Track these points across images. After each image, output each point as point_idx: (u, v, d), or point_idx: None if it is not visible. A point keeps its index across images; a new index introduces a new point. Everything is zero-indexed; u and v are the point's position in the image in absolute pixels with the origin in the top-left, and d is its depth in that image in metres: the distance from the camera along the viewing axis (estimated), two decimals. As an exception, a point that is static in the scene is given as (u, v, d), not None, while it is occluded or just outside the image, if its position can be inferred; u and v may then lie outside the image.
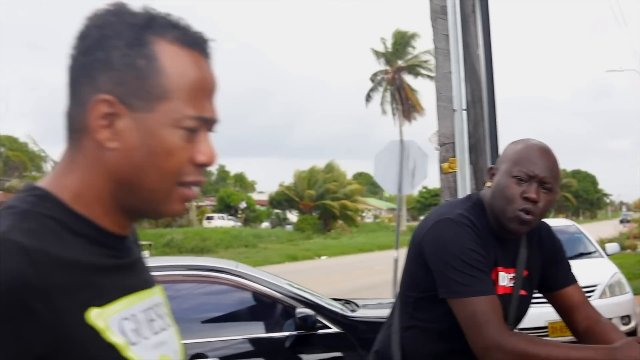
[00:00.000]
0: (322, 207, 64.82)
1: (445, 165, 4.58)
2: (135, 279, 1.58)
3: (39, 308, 1.33)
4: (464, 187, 4.52)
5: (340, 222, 67.30)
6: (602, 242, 17.96)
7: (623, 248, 27.55)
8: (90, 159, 1.49)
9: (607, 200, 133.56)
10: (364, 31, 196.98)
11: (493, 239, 2.93)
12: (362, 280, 24.08)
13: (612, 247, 16.15)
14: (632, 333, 11.44)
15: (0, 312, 1.30)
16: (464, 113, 4.55)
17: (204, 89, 1.52)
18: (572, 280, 3.12)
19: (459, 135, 4.55)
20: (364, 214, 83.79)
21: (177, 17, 1.53)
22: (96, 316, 1.41)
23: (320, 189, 64.37)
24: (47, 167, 60.28)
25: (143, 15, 1.49)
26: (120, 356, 1.44)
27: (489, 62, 4.59)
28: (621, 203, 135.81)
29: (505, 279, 2.97)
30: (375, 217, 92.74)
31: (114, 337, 1.43)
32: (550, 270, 3.12)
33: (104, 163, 1.48)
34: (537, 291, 3.16)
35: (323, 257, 41.09)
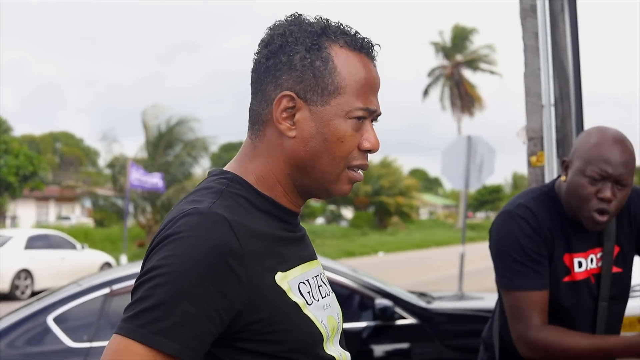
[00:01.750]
0: (377, 203, 64.61)
1: (534, 159, 4.69)
2: (306, 250, 1.85)
3: (240, 271, 1.61)
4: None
5: (395, 218, 67.08)
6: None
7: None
8: (271, 146, 1.77)
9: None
10: (422, 26, 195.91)
11: (566, 226, 2.98)
12: (422, 276, 24.09)
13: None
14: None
15: (212, 272, 1.58)
16: (552, 108, 4.65)
17: (370, 85, 1.79)
18: None
19: (547, 129, 4.65)
20: (419, 211, 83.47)
21: (347, 25, 1.79)
22: (281, 279, 1.69)
23: (376, 185, 64.18)
24: (101, 162, 60.89)
25: (319, 24, 1.77)
26: (301, 313, 1.71)
27: (577, 59, 4.69)
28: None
29: (585, 263, 3.00)
30: (431, 213, 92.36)
31: (295, 297, 1.71)
32: None
33: (283, 149, 1.76)
34: None
35: (380, 253, 41.01)
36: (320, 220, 71.14)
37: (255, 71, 1.79)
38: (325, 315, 1.80)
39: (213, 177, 1.80)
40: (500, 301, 3.23)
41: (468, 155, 12.80)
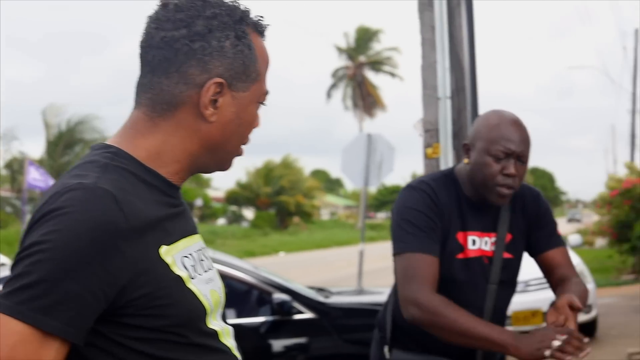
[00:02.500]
0: (278, 204, 64.75)
1: (430, 150, 4.75)
2: (188, 224, 1.84)
3: (125, 246, 1.58)
4: (446, 171, 4.71)
5: (297, 218, 67.27)
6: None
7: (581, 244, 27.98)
8: (182, 127, 1.76)
9: (564, 198, 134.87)
10: (327, 27, 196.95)
11: (463, 205, 3.14)
12: (323, 275, 24.16)
13: (575, 238, 16.51)
14: (592, 322, 11.77)
15: (96, 248, 1.55)
16: (448, 101, 4.72)
17: (268, 69, 1.85)
18: (555, 243, 3.29)
19: (443, 122, 4.72)
20: (321, 211, 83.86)
21: (250, 9, 1.80)
22: (165, 253, 1.67)
23: (277, 186, 64.29)
24: (0, 162, 59.69)
25: (239, 9, 1.77)
26: (185, 287, 1.70)
27: (472, 53, 4.78)
28: (577, 201, 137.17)
29: (478, 242, 3.16)
30: (332, 214, 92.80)
31: (179, 270, 1.69)
32: (534, 234, 3.28)
33: (197, 131, 1.76)
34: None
35: (281, 253, 41.10)
36: (221, 221, 70.92)
37: (169, 49, 1.73)
38: (208, 289, 1.78)
39: (96, 150, 1.76)
40: (394, 283, 3.29)
41: (368, 153, 12.86)
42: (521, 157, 3.02)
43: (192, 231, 1.83)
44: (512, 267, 3.26)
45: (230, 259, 7.34)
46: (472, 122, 4.71)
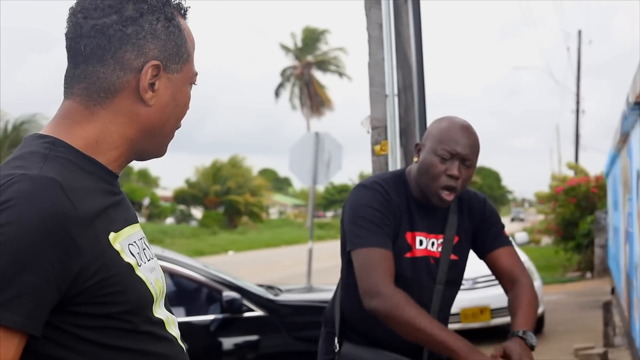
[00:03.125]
0: (227, 203, 64.62)
1: (377, 147, 4.77)
2: (129, 212, 1.84)
3: (77, 234, 1.58)
4: (395, 169, 4.72)
5: (245, 217, 67.18)
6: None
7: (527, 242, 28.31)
8: (120, 113, 1.76)
9: (510, 197, 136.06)
10: (276, 26, 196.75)
11: (412, 206, 3.21)
12: (272, 274, 24.16)
13: (522, 236, 16.73)
14: (539, 318, 11.92)
15: (49, 238, 1.54)
16: (396, 98, 4.75)
17: (194, 50, 1.87)
18: (500, 243, 3.35)
19: (391, 119, 4.74)
20: (269, 210, 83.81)
21: None
22: (113, 239, 1.68)
23: (225, 185, 64.15)
24: None
25: None
26: (134, 274, 1.71)
27: (420, 50, 4.81)
28: (523, 200, 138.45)
29: (426, 243, 3.22)
30: (281, 213, 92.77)
31: (127, 258, 1.70)
32: (480, 236, 3.35)
33: (136, 116, 1.76)
34: None
35: (230, 252, 41.01)
36: (170, 220, 70.50)
37: (102, 37, 1.72)
38: (153, 277, 1.79)
39: (32, 141, 1.74)
40: (342, 278, 3.36)
41: (316, 152, 12.90)
42: (466, 161, 3.09)
43: (133, 220, 1.83)
44: (458, 268, 3.33)
45: (179, 257, 7.32)
46: (420, 119, 4.77)
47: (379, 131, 4.79)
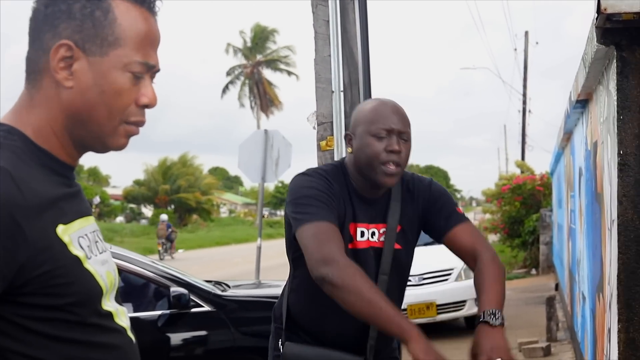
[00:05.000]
0: (177, 202, 64.34)
1: (323, 143, 4.83)
2: (82, 204, 1.82)
3: (24, 224, 1.57)
4: (340, 164, 4.79)
5: (196, 216, 66.96)
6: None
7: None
8: (48, 97, 1.73)
9: (459, 196, 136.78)
10: (228, 25, 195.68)
11: (354, 197, 3.14)
12: (222, 272, 24.09)
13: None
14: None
15: None
16: (342, 94, 4.80)
17: (150, 40, 1.79)
18: (454, 222, 3.23)
19: (337, 115, 4.79)
20: (220, 209, 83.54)
21: None
22: (62, 232, 1.66)
23: (175, 184, 63.87)
24: None
25: None
26: (82, 267, 1.69)
27: (366, 47, 4.86)
28: (471, 198, 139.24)
29: (367, 234, 3.16)
30: (231, 211, 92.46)
31: (76, 250, 1.68)
32: (432, 220, 3.26)
33: (60, 100, 1.72)
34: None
35: (180, 250, 40.82)
36: (120, 219, 69.98)
37: (34, 19, 1.74)
38: (104, 270, 1.78)
39: None
40: (290, 273, 3.33)
41: (265, 149, 12.88)
42: (403, 134, 3.06)
43: (86, 212, 1.81)
44: (402, 258, 3.26)
45: (127, 253, 7.29)
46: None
47: (324, 127, 4.84)
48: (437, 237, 3.29)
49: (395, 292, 3.23)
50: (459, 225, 3.23)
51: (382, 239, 3.19)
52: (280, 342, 3.28)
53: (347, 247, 3.06)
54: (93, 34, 1.71)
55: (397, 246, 3.21)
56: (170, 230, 38.28)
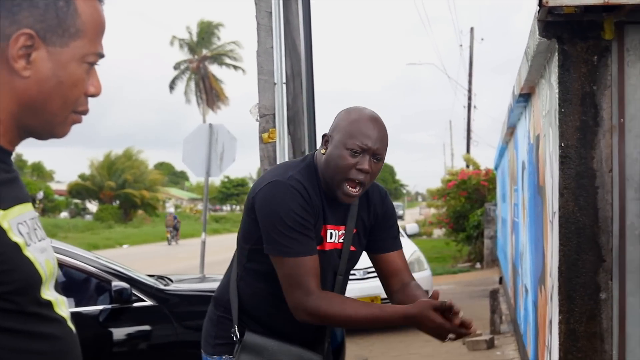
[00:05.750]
0: (123, 197, 63.94)
1: (265, 135, 4.79)
2: (20, 191, 1.76)
3: None
4: (283, 156, 4.75)
5: (141, 211, 66.59)
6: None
7: (419, 234, 28.79)
8: (1, 84, 1.68)
9: (404, 191, 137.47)
10: (174, 20, 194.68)
11: (324, 199, 3.13)
12: (167, 267, 23.98)
13: (412, 227, 16.97)
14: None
15: None
16: (284, 86, 4.77)
17: (102, 30, 1.79)
18: (397, 246, 3.36)
19: (279, 107, 4.76)
20: (165, 204, 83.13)
21: None
22: (1, 218, 1.61)
23: (120, 179, 63.47)
24: None
25: None
26: (22, 254, 1.64)
27: (308, 39, 4.84)
28: (417, 193, 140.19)
29: (334, 235, 3.18)
30: (177, 207, 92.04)
31: (15, 237, 1.63)
32: (378, 234, 3.33)
33: (13, 88, 1.68)
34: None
35: (125, 246, 40.60)
36: (64, 214, 69.36)
37: None
38: (44, 258, 1.73)
39: None
40: (237, 261, 3.28)
41: (210, 144, 12.79)
42: (377, 155, 3.04)
43: (25, 199, 1.76)
44: (355, 260, 3.32)
45: (68, 247, 7.19)
46: (308, 107, 4.81)
47: (267, 119, 4.81)
48: (373, 251, 3.37)
49: (344, 289, 3.31)
50: (398, 251, 3.37)
51: (341, 240, 3.22)
52: (230, 331, 3.23)
53: (317, 249, 3.10)
54: (55, 25, 1.68)
55: (352, 248, 3.26)
56: (176, 220, 46.55)
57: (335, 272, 3.23)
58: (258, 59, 4.86)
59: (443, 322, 2.80)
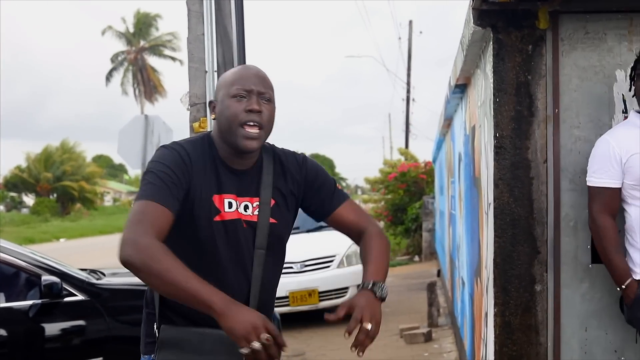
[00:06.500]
0: (60, 190, 63.23)
1: (196, 124, 4.70)
2: None
3: None
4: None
5: (79, 205, 65.92)
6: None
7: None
8: None
9: (344, 184, 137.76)
10: (114, 9, 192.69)
11: (220, 168, 3.04)
12: (104, 261, 23.63)
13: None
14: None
15: None
16: (215, 74, 4.69)
17: None
18: (338, 201, 3.23)
19: (210, 95, 4.68)
20: (104, 197, 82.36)
21: None
22: None
23: (58, 171, 62.75)
24: None
25: None
26: None
27: (241, 26, 4.75)
28: (357, 187, 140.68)
29: (238, 206, 3.05)
30: (115, 200, 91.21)
31: None
32: (312, 200, 3.23)
33: None
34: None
35: (62, 240, 40.14)
36: None
37: None
38: None
39: None
40: None
41: (145, 135, 12.63)
42: (262, 95, 3.00)
43: None
44: (278, 233, 3.16)
45: (-4, 241, 7.02)
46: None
47: (197, 108, 4.72)
48: (320, 217, 3.26)
49: (274, 268, 3.17)
50: (343, 205, 3.23)
51: (256, 212, 3.09)
52: (155, 328, 3.14)
53: (213, 219, 3.00)
54: None
55: (272, 220, 3.12)
56: None
57: (254, 246, 3.08)
58: (189, 46, 4.76)
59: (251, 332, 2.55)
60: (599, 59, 4.38)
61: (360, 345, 2.84)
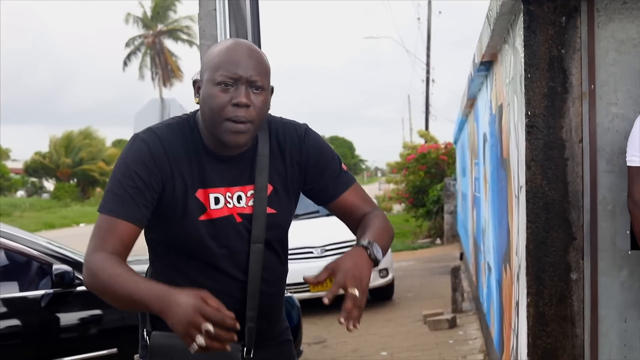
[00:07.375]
0: (80, 174, 63.53)
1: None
2: None
3: None
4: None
5: (99, 189, 66.19)
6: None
7: (378, 210, 28.62)
8: None
9: (363, 166, 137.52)
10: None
11: (205, 157, 2.69)
12: (122, 245, 23.74)
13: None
14: (389, 285, 11.95)
15: None
16: (229, 52, 4.45)
17: None
18: (344, 186, 2.86)
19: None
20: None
21: None
22: None
23: (78, 156, 63.05)
24: None
25: None
26: None
27: (255, 1, 4.51)
28: (376, 169, 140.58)
29: (230, 200, 2.70)
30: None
31: None
32: (316, 182, 2.87)
33: None
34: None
35: (82, 225, 40.21)
36: (20, 193, 68.83)
37: None
38: None
39: None
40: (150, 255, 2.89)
41: (161, 117, 12.42)
42: (253, 83, 2.57)
43: None
44: (278, 224, 2.81)
45: (9, 230, 6.84)
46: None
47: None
48: (322, 202, 2.88)
49: (275, 263, 2.84)
50: (349, 188, 2.86)
51: (250, 202, 2.73)
52: (145, 331, 2.86)
53: (198, 219, 2.67)
54: None
55: (270, 210, 2.76)
56: None
57: (249, 241, 2.72)
58: (200, 22, 4.49)
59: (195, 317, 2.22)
60: (637, 31, 4.11)
61: (349, 315, 2.43)
